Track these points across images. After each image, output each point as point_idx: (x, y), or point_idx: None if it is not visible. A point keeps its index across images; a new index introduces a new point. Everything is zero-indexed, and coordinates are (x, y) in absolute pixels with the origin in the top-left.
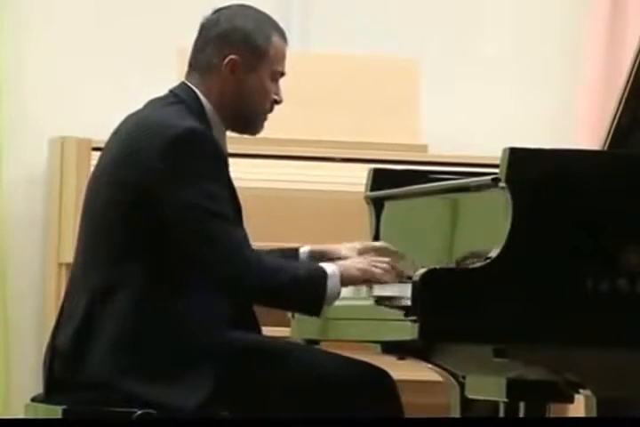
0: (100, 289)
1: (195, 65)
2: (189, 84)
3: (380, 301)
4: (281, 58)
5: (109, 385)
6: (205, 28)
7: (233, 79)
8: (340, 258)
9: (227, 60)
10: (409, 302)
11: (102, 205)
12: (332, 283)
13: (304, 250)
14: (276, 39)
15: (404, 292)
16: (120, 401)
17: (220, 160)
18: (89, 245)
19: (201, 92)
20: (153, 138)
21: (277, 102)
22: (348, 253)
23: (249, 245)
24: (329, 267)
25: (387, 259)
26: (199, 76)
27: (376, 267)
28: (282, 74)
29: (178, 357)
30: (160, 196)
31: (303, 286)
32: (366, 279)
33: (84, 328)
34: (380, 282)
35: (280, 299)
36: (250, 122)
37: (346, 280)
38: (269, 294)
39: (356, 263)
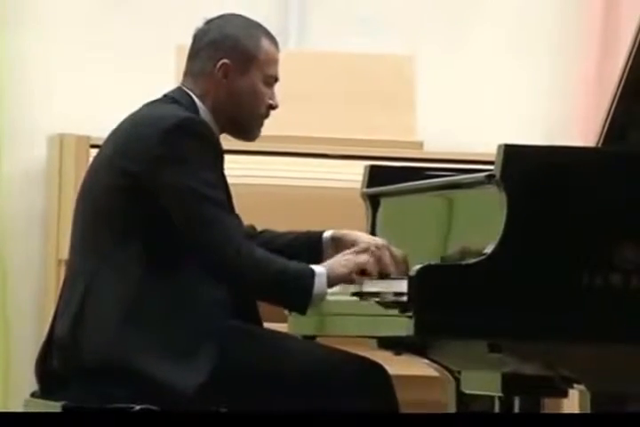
0: (98, 274)
1: (189, 72)
2: (185, 88)
3: (364, 296)
4: (272, 62)
5: (110, 364)
6: (197, 38)
7: (226, 83)
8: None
9: (219, 64)
10: (392, 298)
11: (100, 193)
12: (319, 282)
13: (327, 235)
14: (266, 44)
15: (389, 287)
16: (121, 380)
17: (216, 150)
18: (87, 232)
19: (196, 96)
20: (152, 127)
21: (273, 107)
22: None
23: (243, 233)
24: (317, 267)
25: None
26: (194, 81)
27: (359, 262)
28: (275, 79)
29: (177, 339)
30: (158, 181)
31: (290, 281)
32: (351, 278)
33: (82, 312)
34: (366, 277)
35: (265, 291)
36: (245, 126)
37: (333, 280)
38: (255, 284)
39: (340, 261)
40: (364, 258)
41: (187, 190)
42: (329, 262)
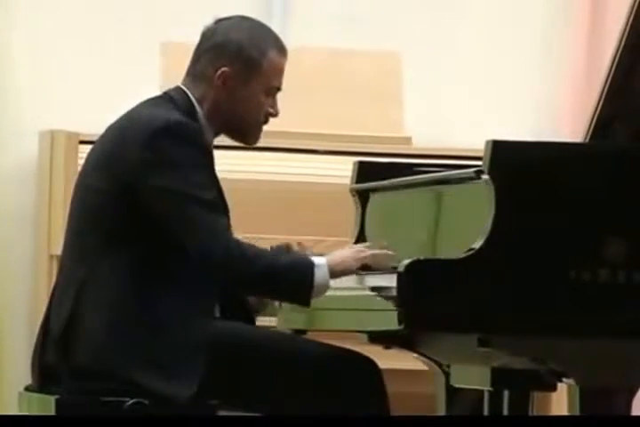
0: (87, 279)
1: (191, 72)
2: (184, 88)
3: (374, 291)
4: (277, 73)
5: (101, 372)
6: (204, 38)
7: (225, 91)
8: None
9: (219, 71)
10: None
11: (89, 196)
12: (320, 272)
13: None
14: (272, 54)
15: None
16: (111, 389)
17: (204, 150)
18: (76, 235)
19: (194, 97)
20: (139, 130)
21: (273, 115)
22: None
23: (230, 233)
24: (316, 258)
25: (377, 250)
26: (193, 83)
27: (365, 253)
28: (278, 89)
29: (166, 347)
30: (143, 184)
31: (283, 274)
32: (358, 267)
33: (73, 316)
34: (371, 268)
35: (258, 286)
36: (242, 133)
37: (337, 271)
38: (248, 279)
39: (344, 252)
40: (366, 252)
41: (173, 193)
42: (332, 254)
